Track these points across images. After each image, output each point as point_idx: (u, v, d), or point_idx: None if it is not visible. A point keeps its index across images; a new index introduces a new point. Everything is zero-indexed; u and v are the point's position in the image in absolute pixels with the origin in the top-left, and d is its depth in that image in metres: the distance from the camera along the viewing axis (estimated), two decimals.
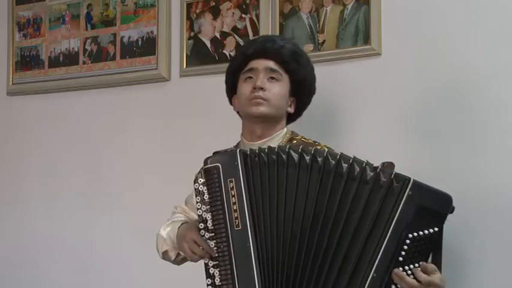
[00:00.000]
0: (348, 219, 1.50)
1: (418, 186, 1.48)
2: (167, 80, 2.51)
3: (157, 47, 2.52)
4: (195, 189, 1.62)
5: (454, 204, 1.95)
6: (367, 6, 2.13)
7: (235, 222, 1.55)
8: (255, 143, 1.77)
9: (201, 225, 1.61)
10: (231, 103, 1.91)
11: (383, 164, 1.90)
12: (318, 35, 2.22)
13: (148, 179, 2.53)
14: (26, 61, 2.84)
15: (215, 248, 1.57)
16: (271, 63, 1.79)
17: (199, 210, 1.61)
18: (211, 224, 1.59)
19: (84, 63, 2.70)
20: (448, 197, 1.49)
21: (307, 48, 2.22)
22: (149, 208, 2.48)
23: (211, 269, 1.59)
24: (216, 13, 2.43)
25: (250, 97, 1.76)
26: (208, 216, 1.59)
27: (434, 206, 1.47)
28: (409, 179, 1.48)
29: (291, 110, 1.86)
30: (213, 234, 1.58)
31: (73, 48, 2.73)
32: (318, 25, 2.22)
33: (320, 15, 2.22)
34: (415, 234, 1.45)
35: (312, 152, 1.54)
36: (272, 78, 1.78)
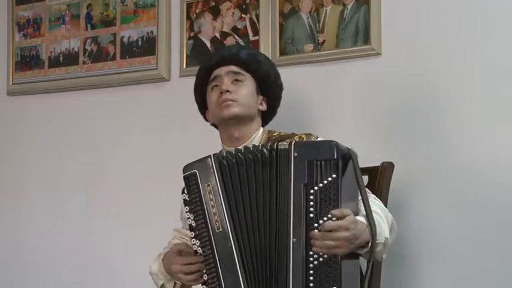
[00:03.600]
0: (266, 205, 1.58)
1: (300, 145, 1.57)
2: (167, 80, 2.51)
3: (157, 47, 2.52)
4: (184, 200, 1.67)
5: (454, 203, 1.98)
6: (367, 6, 2.13)
7: (216, 224, 1.60)
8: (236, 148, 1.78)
9: (192, 234, 1.65)
10: (206, 119, 1.96)
11: (382, 163, 1.91)
12: (318, 34, 2.22)
13: (148, 179, 2.52)
14: (26, 61, 2.84)
15: (202, 252, 1.61)
16: (232, 67, 1.86)
17: (189, 220, 1.65)
18: (197, 231, 1.63)
19: (84, 63, 2.69)
20: (328, 143, 1.54)
21: (307, 48, 2.22)
22: (149, 208, 2.48)
23: (204, 275, 1.62)
24: (216, 13, 2.43)
25: (219, 102, 1.82)
26: (194, 223, 1.63)
27: (321, 156, 1.52)
28: (290, 143, 1.57)
29: (263, 107, 1.90)
30: (199, 240, 1.62)
31: (73, 48, 2.73)
32: (318, 25, 2.22)
33: (320, 15, 2.22)
34: (316, 187, 1.50)
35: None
36: (236, 80, 1.85)
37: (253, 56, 1.91)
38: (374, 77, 2.14)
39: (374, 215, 1.58)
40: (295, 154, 1.54)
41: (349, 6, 2.16)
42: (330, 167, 1.51)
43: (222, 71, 1.86)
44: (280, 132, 1.87)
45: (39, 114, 2.81)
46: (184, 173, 1.65)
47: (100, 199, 2.62)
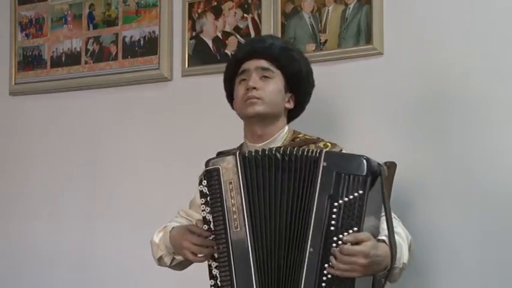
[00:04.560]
0: (285, 210, 1.56)
1: (330, 156, 1.53)
2: (169, 79, 2.51)
3: (159, 47, 2.52)
4: (200, 191, 1.65)
5: (456, 203, 1.98)
6: (369, 6, 2.13)
7: (235, 223, 1.58)
8: (258, 144, 1.77)
9: (205, 227, 1.63)
10: (233, 108, 1.92)
11: (385, 163, 1.91)
12: (320, 34, 2.22)
13: (150, 179, 2.52)
14: (28, 61, 2.84)
15: (216, 248, 1.60)
16: (262, 62, 1.81)
17: (203, 212, 1.64)
18: (212, 226, 1.61)
19: (86, 63, 2.70)
20: (360, 158, 1.51)
21: (309, 47, 2.22)
22: (150, 207, 2.48)
23: (214, 270, 1.62)
24: (218, 13, 2.43)
25: (245, 98, 1.78)
26: (210, 217, 1.62)
27: (351, 171, 1.49)
28: (321, 151, 1.54)
29: (290, 105, 1.86)
30: (214, 235, 1.61)
31: (75, 48, 2.73)
32: (319, 25, 2.22)
33: (322, 15, 2.22)
34: (340, 201, 1.48)
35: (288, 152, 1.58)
36: (265, 77, 1.80)
37: (286, 51, 1.83)
38: (376, 77, 2.14)
39: (396, 236, 1.55)
40: (325, 164, 1.50)
41: (351, 6, 2.16)
42: (357, 183, 1.47)
43: (251, 65, 1.80)
44: (305, 135, 1.83)
45: (41, 114, 2.81)
46: (206, 167, 1.63)
47: (101, 199, 2.63)
